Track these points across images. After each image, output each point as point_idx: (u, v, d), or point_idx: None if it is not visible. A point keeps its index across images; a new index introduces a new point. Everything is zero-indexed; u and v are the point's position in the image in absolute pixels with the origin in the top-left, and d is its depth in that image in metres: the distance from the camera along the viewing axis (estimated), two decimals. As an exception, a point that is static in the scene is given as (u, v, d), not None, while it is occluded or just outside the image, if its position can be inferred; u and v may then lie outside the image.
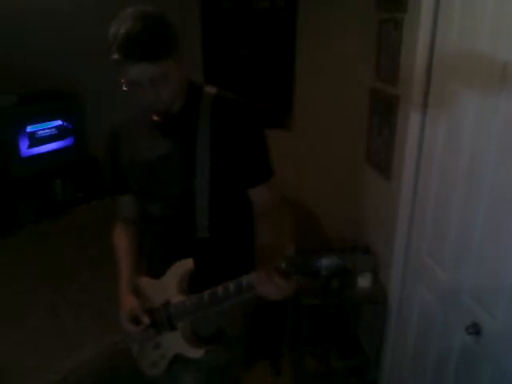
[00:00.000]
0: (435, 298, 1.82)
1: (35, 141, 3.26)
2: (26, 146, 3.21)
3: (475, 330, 1.49)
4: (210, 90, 1.30)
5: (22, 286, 2.41)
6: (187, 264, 1.27)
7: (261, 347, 2.50)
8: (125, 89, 1.15)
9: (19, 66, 3.09)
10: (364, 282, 2.26)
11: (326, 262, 0.98)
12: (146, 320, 1.32)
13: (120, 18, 1.11)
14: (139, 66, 1.09)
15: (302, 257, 1.02)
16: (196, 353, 1.30)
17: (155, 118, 1.28)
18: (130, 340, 1.49)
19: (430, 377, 1.88)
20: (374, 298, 2.26)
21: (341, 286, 2.27)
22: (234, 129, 1.25)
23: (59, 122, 3.41)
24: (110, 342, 2.02)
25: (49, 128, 3.35)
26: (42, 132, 3.31)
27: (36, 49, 3.15)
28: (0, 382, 1.84)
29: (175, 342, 1.33)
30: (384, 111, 2.19)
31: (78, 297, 2.37)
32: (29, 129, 3.21)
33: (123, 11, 1.13)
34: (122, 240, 1.47)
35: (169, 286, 1.31)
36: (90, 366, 1.92)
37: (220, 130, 1.24)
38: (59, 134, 3.42)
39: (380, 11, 2.23)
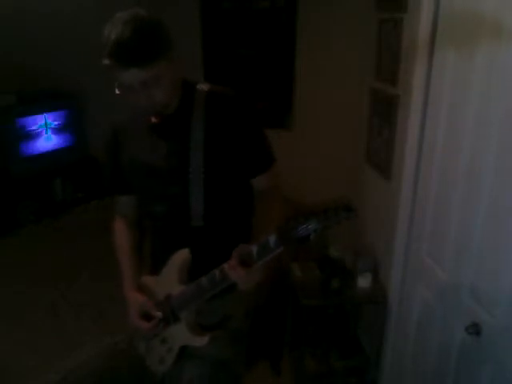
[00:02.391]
0: (435, 298, 1.82)
1: (35, 141, 3.27)
2: (25, 146, 3.21)
3: (475, 330, 1.49)
4: (203, 86, 1.31)
5: (21, 285, 2.41)
6: (184, 254, 1.29)
7: (261, 348, 2.50)
8: (118, 93, 1.15)
9: (19, 66, 3.09)
10: (364, 282, 2.26)
11: (312, 226, 0.99)
12: (158, 314, 1.33)
13: (111, 22, 1.12)
14: (130, 71, 1.10)
15: (287, 226, 1.02)
16: (201, 340, 1.31)
17: (153, 119, 1.29)
18: (138, 338, 1.50)
19: (430, 377, 1.88)
20: (374, 298, 2.25)
21: (341, 285, 2.27)
22: (229, 122, 1.26)
23: (59, 122, 3.41)
24: (110, 342, 2.02)
25: (49, 128, 3.35)
26: (41, 132, 3.31)
27: (36, 49, 3.16)
28: (0, 381, 1.84)
29: (180, 334, 1.35)
30: (384, 111, 2.19)
31: (78, 297, 2.37)
32: (28, 129, 3.22)
33: (115, 15, 1.13)
34: (122, 239, 1.49)
35: (169, 279, 1.33)
36: (90, 366, 1.91)
37: (214, 125, 1.25)
38: (59, 134, 3.43)
39: (380, 11, 2.23)
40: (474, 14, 1.49)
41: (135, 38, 1.08)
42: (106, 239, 1.52)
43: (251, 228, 1.40)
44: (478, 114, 1.49)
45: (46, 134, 3.34)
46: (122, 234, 1.49)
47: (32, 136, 3.24)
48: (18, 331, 2.10)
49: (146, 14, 1.14)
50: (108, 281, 2.44)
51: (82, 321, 2.19)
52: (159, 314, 1.34)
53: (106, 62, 1.10)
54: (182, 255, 1.29)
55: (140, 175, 1.35)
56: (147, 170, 1.32)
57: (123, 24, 1.09)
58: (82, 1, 3.29)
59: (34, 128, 3.25)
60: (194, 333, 1.33)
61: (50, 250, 2.77)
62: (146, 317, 1.37)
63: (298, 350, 2.53)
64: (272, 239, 1.06)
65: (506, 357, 1.39)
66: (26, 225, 3.14)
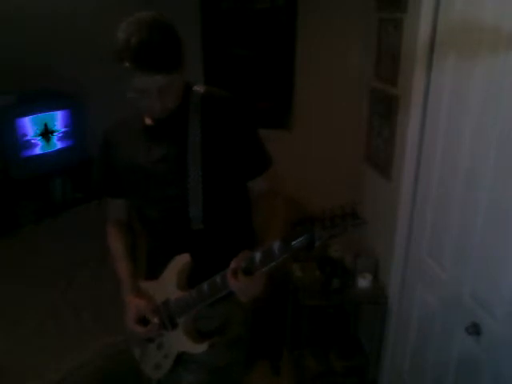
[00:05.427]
0: (435, 298, 1.82)
1: (34, 141, 3.27)
2: (25, 146, 3.21)
3: (475, 330, 1.49)
4: (199, 88, 1.29)
5: (21, 285, 2.41)
6: (184, 259, 1.26)
7: (261, 347, 2.50)
8: (130, 96, 1.12)
9: (19, 66, 3.09)
10: (364, 282, 2.26)
11: (319, 234, 0.96)
12: (155, 320, 1.32)
13: (130, 23, 1.07)
14: (152, 77, 1.06)
15: (293, 232, 0.99)
16: (199, 348, 1.29)
17: (148, 122, 1.27)
18: (134, 344, 1.49)
19: (430, 377, 1.88)
20: (374, 298, 2.25)
21: (341, 286, 2.27)
22: (225, 124, 1.24)
23: (59, 123, 3.41)
24: (110, 342, 2.02)
25: (49, 128, 3.35)
26: (41, 132, 3.30)
27: (36, 49, 3.16)
28: (0, 382, 1.84)
29: (177, 340, 1.33)
30: (384, 111, 2.19)
31: (78, 297, 2.37)
32: (28, 129, 3.21)
33: (132, 17, 1.09)
34: (117, 244, 1.47)
35: (168, 284, 1.31)
36: (90, 366, 1.92)
37: (211, 128, 1.24)
38: (59, 135, 3.42)
39: (380, 11, 2.23)
40: (474, 14, 1.50)
41: (164, 44, 1.04)
42: (106, 239, 1.51)
43: (252, 231, 1.39)
44: (478, 114, 1.49)
45: (45, 134, 3.34)
46: (116, 239, 1.47)
47: (32, 136, 3.24)
48: (18, 331, 2.10)
49: (164, 19, 1.10)
50: (108, 281, 2.45)
51: (82, 321, 2.19)
52: (156, 319, 1.32)
53: (126, 64, 1.05)
54: (182, 260, 1.27)
55: (135, 178, 1.32)
56: (143, 173, 1.29)
57: (147, 27, 1.04)
58: (81, 1, 3.29)
59: (33, 128, 3.24)
60: (192, 339, 1.30)
61: (49, 250, 2.77)
62: (143, 321, 1.35)
63: (298, 350, 2.53)
64: (276, 246, 1.03)
65: (506, 357, 1.39)
66: (26, 225, 3.14)
